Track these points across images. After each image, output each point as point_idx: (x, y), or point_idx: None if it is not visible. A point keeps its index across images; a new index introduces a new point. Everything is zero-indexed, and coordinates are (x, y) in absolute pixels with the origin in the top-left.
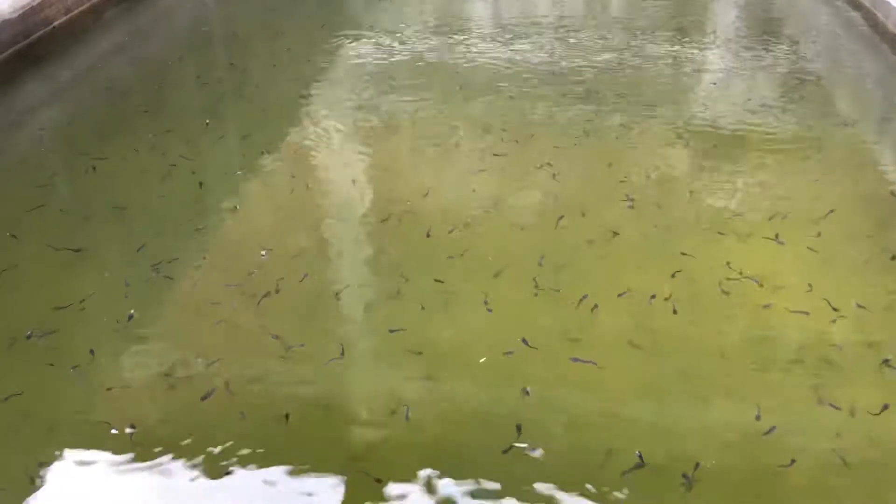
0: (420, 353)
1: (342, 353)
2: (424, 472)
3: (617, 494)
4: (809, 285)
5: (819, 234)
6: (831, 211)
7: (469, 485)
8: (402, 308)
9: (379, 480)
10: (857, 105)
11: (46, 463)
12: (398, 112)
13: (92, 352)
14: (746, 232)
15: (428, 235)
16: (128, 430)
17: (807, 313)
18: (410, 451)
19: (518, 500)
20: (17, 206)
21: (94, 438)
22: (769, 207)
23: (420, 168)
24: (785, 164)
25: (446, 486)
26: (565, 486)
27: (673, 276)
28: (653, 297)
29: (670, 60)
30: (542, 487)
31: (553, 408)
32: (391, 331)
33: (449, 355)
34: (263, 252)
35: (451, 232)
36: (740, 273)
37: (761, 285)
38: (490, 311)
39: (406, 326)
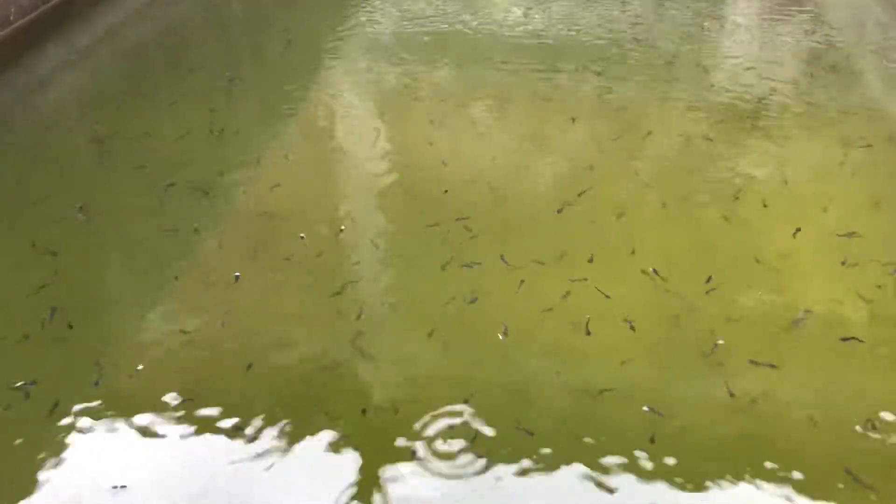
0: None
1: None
2: None
3: None
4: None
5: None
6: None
7: None
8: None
9: None
10: (885, 79)
11: None
12: (418, 78)
13: None
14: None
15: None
16: None
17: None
18: None
19: None
20: (40, 173)
21: None
22: (785, 180)
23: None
24: (804, 137)
25: None
26: None
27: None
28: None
29: (688, 28)
30: None
31: None
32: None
33: None
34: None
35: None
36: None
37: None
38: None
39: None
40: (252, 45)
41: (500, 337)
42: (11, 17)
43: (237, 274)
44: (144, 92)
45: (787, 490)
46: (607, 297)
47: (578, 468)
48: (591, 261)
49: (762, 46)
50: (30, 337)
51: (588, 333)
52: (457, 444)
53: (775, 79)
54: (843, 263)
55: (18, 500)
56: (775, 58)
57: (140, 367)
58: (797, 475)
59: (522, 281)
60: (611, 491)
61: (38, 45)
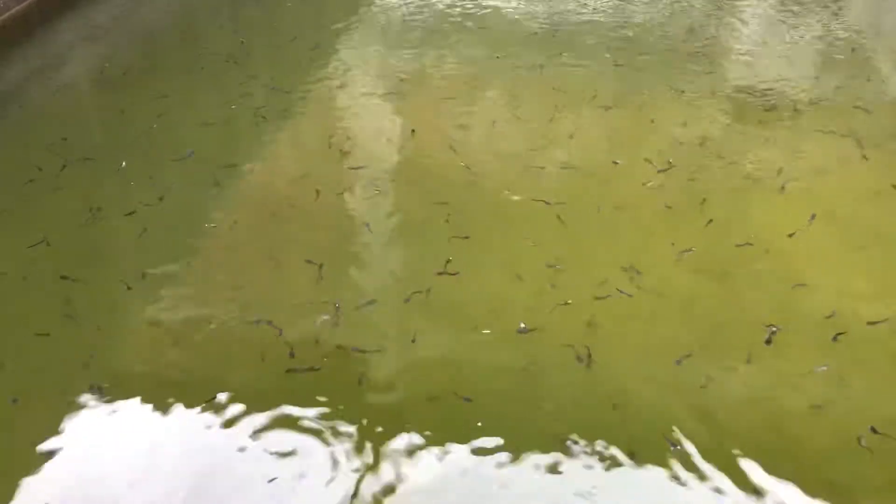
0: None
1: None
2: None
3: None
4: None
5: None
6: None
7: None
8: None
9: None
10: None
11: None
12: (431, 63)
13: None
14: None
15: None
16: None
17: None
18: None
19: None
20: (53, 151)
21: None
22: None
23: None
24: (818, 129)
25: None
26: None
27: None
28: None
29: (704, 21)
30: None
31: None
32: None
33: None
34: None
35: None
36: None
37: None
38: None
39: None
40: (265, 26)
41: None
42: None
43: None
44: (157, 70)
45: None
46: None
47: None
48: None
49: (777, 38)
50: None
51: None
52: None
53: (791, 69)
54: None
55: None
56: (791, 49)
57: None
58: None
59: None
60: None
61: (53, 21)
